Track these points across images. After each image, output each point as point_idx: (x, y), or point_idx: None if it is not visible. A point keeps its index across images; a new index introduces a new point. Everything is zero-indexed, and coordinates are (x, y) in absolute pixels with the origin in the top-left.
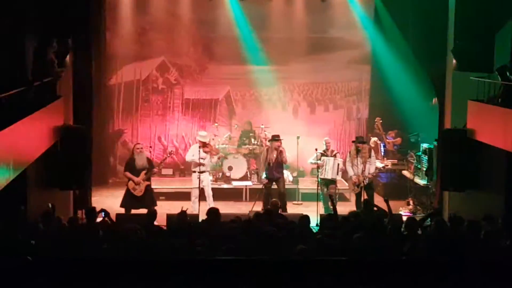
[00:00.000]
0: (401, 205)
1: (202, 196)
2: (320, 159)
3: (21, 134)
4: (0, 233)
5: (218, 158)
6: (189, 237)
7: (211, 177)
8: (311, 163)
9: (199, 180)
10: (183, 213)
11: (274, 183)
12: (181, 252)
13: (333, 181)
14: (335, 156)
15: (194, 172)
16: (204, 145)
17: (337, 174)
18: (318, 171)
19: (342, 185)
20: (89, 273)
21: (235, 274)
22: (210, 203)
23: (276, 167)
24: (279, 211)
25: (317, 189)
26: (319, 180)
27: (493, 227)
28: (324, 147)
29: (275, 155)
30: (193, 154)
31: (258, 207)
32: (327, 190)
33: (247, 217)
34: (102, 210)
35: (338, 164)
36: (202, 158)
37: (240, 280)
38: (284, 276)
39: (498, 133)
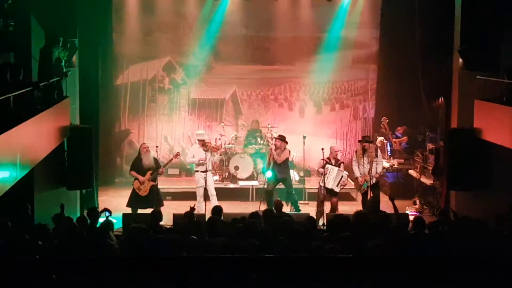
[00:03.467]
0: (408, 205)
1: (206, 196)
2: (323, 167)
3: (28, 134)
4: (8, 233)
5: (220, 155)
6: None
7: (216, 177)
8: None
9: (204, 179)
10: (191, 211)
11: (281, 183)
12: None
13: (333, 192)
14: (339, 166)
15: (197, 171)
16: (203, 143)
17: (337, 185)
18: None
19: (349, 184)
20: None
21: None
22: (214, 202)
23: (276, 167)
24: (291, 210)
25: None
26: (319, 185)
27: (502, 228)
28: (328, 154)
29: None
30: (193, 155)
31: (265, 206)
32: (324, 196)
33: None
34: (105, 209)
35: (342, 176)
36: (201, 159)
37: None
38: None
39: (505, 132)
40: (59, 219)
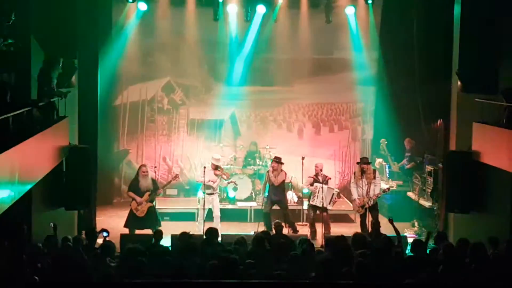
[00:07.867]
0: (406, 227)
1: (210, 217)
2: (312, 185)
3: (26, 154)
4: (5, 254)
5: (228, 183)
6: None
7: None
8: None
9: (210, 201)
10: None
11: (276, 205)
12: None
13: (324, 208)
14: (326, 182)
15: (202, 192)
16: (216, 168)
17: (330, 203)
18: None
19: (347, 206)
20: None
21: None
22: (217, 223)
23: (272, 188)
24: (289, 232)
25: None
26: (308, 205)
27: (498, 250)
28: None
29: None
30: (203, 175)
31: (263, 227)
32: (314, 216)
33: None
34: (103, 230)
35: (333, 194)
36: (212, 181)
37: None
38: None
39: (503, 155)
40: (52, 241)
